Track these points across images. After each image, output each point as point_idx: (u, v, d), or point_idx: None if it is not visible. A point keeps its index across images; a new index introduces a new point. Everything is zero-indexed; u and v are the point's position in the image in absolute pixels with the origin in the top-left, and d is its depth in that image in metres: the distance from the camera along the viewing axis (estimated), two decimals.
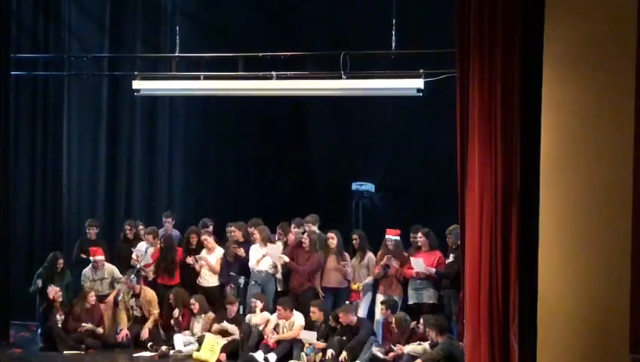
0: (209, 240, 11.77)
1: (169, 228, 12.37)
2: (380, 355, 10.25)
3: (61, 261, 11.73)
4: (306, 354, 10.52)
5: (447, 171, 9.73)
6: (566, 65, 7.92)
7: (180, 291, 11.53)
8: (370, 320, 10.97)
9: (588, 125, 7.84)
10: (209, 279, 11.76)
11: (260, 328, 10.88)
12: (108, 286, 11.91)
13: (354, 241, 11.32)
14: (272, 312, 11.10)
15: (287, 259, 11.25)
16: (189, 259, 11.75)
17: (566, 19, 7.94)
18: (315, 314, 10.83)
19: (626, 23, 7.71)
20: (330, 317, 10.76)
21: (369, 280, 11.16)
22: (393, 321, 10.43)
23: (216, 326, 11.06)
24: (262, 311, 11.02)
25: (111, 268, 11.95)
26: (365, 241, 11.31)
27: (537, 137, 8.08)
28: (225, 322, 11.06)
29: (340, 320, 10.62)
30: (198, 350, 10.93)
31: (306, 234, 11.40)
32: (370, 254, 11.23)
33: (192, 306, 11.32)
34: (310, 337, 10.62)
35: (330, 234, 11.23)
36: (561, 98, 7.94)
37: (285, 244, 11.58)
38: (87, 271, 11.89)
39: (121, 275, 11.94)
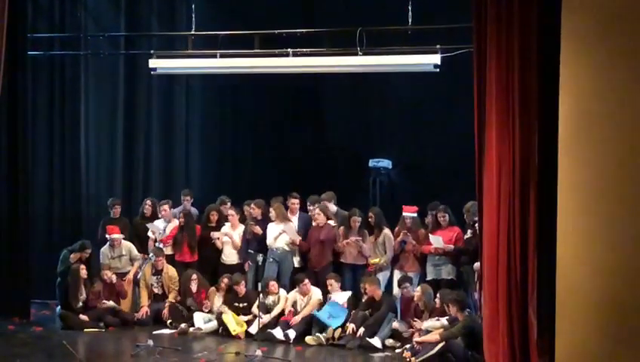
0: (234, 216, 11.80)
1: (187, 206, 12.40)
2: (401, 328, 10.30)
3: (89, 251, 11.76)
4: None
5: (465, 147, 9.69)
6: (584, 38, 7.85)
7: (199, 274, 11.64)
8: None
9: (607, 98, 7.78)
10: (231, 256, 11.81)
11: (277, 309, 10.98)
12: (126, 263, 11.98)
13: (370, 219, 11.33)
14: (290, 289, 11.17)
15: (298, 240, 11.29)
16: (214, 234, 11.79)
17: None
18: (332, 286, 10.89)
19: None
20: (361, 286, 10.83)
21: (388, 255, 11.17)
22: (419, 291, 10.45)
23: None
24: (277, 290, 11.10)
25: (128, 246, 12.01)
26: (382, 218, 11.31)
27: (555, 111, 8.03)
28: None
29: (366, 290, 10.67)
30: (218, 328, 11.06)
31: (318, 210, 11.42)
32: (386, 231, 11.23)
33: (222, 283, 11.40)
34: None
35: (354, 218, 11.23)
36: (580, 71, 7.88)
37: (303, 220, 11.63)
38: (104, 249, 11.97)
39: (138, 253, 12.02)
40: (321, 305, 10.87)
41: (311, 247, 11.37)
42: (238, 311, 11.13)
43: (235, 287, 11.25)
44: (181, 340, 10.80)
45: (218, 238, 11.79)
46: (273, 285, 11.10)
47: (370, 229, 11.30)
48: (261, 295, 10.84)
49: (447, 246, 10.78)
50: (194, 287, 11.51)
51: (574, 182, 7.94)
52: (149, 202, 12.49)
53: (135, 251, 12.02)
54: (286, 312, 10.95)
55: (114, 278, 11.65)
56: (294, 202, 11.72)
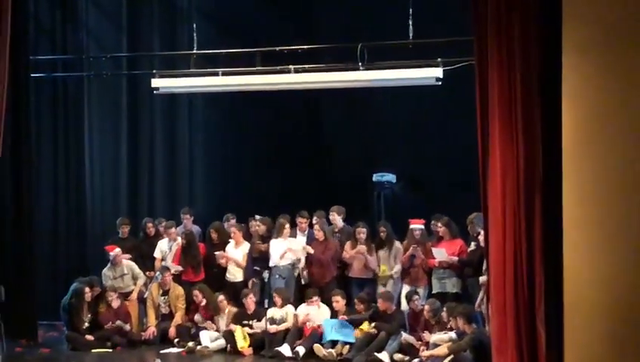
0: (237, 233, 11.76)
1: (187, 224, 12.37)
2: (410, 340, 10.28)
3: (97, 289, 11.73)
4: None
5: (468, 159, 9.69)
6: (586, 47, 7.86)
7: (205, 287, 11.57)
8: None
9: (609, 107, 7.79)
10: (236, 274, 11.78)
11: (285, 324, 10.95)
12: (129, 281, 11.93)
13: (382, 233, 11.30)
14: (295, 305, 11.14)
15: (311, 251, 11.26)
16: (218, 255, 11.76)
17: (584, 1, 7.90)
18: (339, 303, 10.87)
19: None
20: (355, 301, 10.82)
21: (397, 268, 11.15)
22: (426, 308, 10.43)
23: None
24: (283, 305, 11.07)
25: (130, 264, 11.96)
26: (392, 232, 11.31)
27: (559, 121, 8.04)
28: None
29: (379, 306, 10.65)
30: (225, 347, 11.03)
31: (317, 225, 11.41)
32: (397, 244, 11.23)
33: (219, 303, 11.37)
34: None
35: (359, 229, 11.22)
36: (582, 80, 7.90)
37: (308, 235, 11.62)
38: (105, 270, 11.90)
39: (140, 271, 11.98)
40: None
41: (313, 264, 11.35)
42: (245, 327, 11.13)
43: (244, 304, 11.22)
44: (189, 359, 10.78)
45: (223, 258, 11.76)
46: (279, 296, 11.07)
47: (381, 243, 11.28)
48: (270, 309, 10.83)
49: (452, 259, 10.77)
50: (199, 302, 11.50)
51: (579, 192, 7.93)
52: (150, 224, 12.48)
53: (137, 269, 11.97)
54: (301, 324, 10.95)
55: (117, 302, 11.58)
56: (303, 221, 11.70)
